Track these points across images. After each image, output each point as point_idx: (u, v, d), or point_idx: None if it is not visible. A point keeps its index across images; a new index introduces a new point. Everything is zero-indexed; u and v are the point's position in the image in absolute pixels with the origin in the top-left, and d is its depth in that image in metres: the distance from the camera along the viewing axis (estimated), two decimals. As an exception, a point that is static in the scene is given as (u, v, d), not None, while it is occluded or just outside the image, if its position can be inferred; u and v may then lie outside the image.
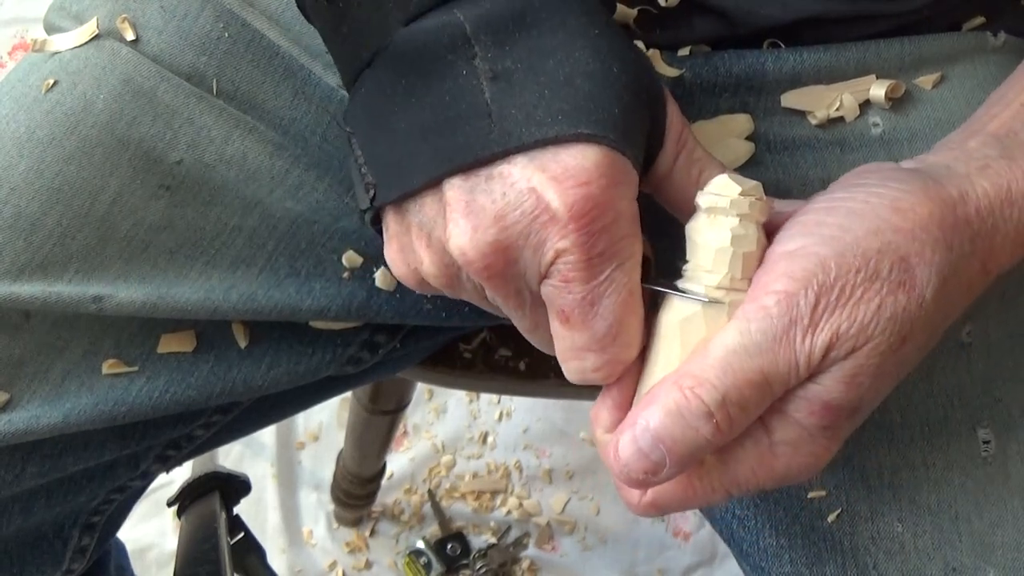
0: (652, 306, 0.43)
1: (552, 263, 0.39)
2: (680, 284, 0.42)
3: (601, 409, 0.44)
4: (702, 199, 0.42)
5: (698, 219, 0.42)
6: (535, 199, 0.39)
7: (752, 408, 0.40)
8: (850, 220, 0.41)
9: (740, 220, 0.41)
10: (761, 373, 0.39)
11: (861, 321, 0.39)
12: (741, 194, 0.41)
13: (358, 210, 0.54)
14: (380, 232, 0.45)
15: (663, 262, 0.45)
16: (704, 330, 0.41)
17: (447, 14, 0.40)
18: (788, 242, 0.41)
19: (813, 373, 0.40)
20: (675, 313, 0.42)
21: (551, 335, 0.43)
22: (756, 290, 0.41)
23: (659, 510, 0.44)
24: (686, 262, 0.43)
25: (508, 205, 0.39)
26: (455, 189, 0.40)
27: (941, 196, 0.41)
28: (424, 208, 0.41)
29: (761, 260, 0.42)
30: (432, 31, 0.40)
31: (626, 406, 0.44)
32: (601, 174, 0.39)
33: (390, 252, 0.44)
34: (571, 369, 0.42)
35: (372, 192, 0.42)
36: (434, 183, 0.40)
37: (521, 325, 0.44)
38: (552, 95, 0.39)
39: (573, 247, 0.39)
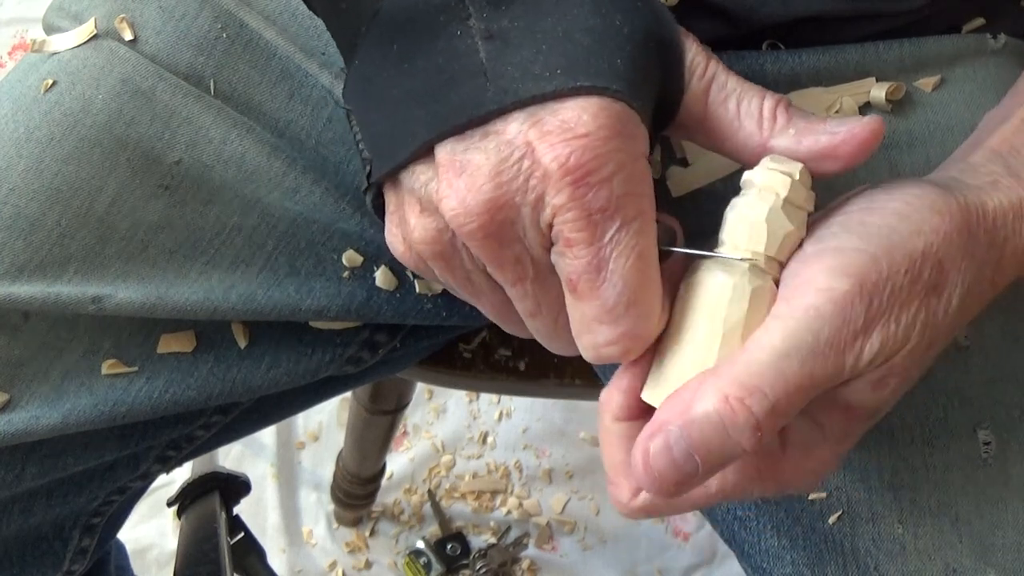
0: (672, 277, 0.41)
1: (552, 223, 0.37)
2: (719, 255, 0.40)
3: (614, 392, 0.41)
4: (756, 176, 0.40)
5: (748, 195, 0.40)
6: (531, 154, 0.37)
7: (793, 414, 0.38)
8: (894, 220, 0.39)
9: (795, 207, 0.39)
10: (811, 378, 0.37)
11: (905, 324, 0.38)
12: (799, 181, 0.39)
13: (361, 197, 0.53)
14: (382, 217, 0.43)
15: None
16: (745, 311, 0.38)
17: None
18: (830, 239, 0.39)
19: (850, 377, 0.38)
20: (715, 288, 0.39)
21: (552, 321, 0.41)
22: (800, 284, 0.38)
23: (649, 514, 0.42)
24: (715, 237, 0.40)
25: (503, 161, 0.37)
26: (449, 150, 0.38)
27: (963, 204, 0.40)
28: (417, 174, 0.39)
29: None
30: None
31: (640, 389, 0.41)
32: (600, 125, 0.37)
33: (389, 229, 0.42)
34: (585, 345, 0.39)
35: (368, 168, 0.41)
36: (429, 148, 0.38)
37: (522, 307, 0.41)
38: (550, 50, 0.37)
39: (569, 201, 0.36)
